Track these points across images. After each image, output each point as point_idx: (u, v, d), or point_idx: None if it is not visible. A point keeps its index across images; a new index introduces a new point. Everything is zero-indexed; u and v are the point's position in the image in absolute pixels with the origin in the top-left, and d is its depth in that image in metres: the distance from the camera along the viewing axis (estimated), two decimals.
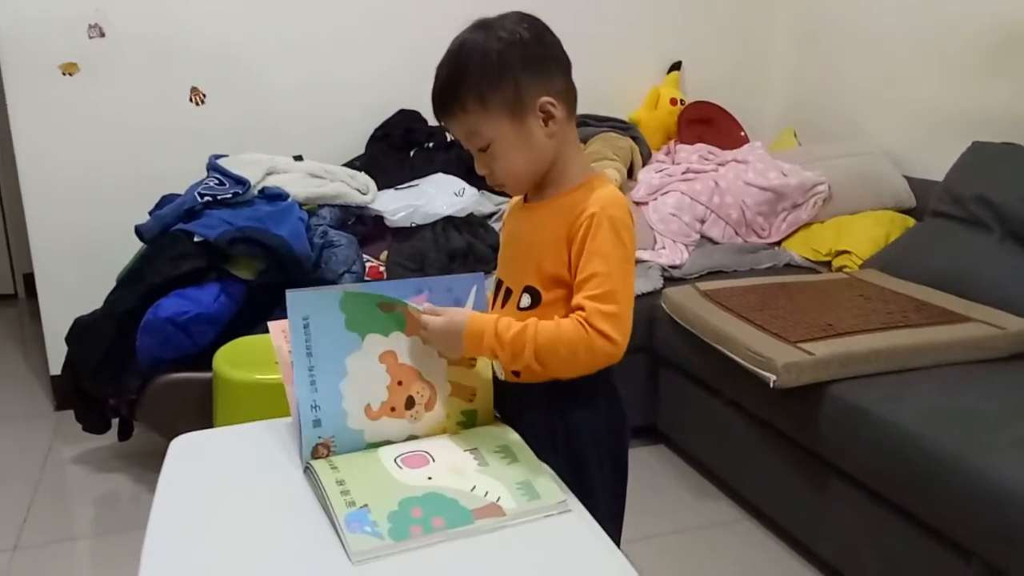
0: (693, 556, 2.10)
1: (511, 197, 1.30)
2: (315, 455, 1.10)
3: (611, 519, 1.10)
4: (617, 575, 0.95)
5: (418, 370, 1.14)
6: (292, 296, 1.09)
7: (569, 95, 1.16)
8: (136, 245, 2.42)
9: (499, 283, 1.24)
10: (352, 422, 1.11)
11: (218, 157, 2.53)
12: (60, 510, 2.33)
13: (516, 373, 1.15)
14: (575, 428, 1.19)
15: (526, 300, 1.18)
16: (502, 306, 1.22)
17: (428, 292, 1.14)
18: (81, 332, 2.30)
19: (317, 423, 1.10)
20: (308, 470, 1.08)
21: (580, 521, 1.04)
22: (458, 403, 1.17)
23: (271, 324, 1.21)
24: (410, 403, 1.14)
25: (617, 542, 1.19)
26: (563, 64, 1.16)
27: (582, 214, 1.11)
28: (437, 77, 1.14)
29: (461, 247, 2.57)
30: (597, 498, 1.08)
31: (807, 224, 2.85)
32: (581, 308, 1.08)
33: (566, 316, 1.12)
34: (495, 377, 1.20)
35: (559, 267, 1.13)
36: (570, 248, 1.12)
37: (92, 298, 2.37)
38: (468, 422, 1.18)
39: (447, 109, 1.13)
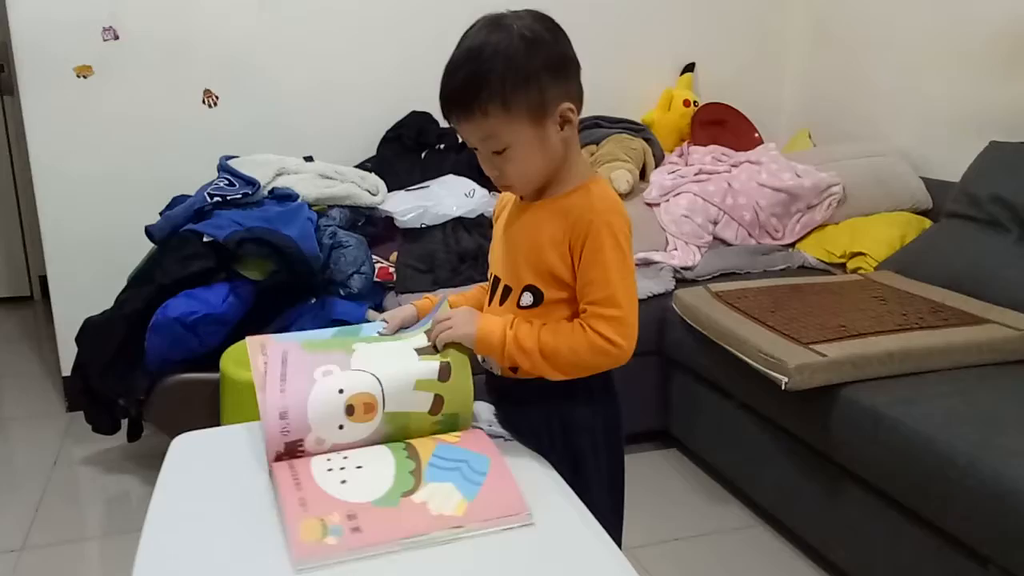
0: (704, 562, 2.07)
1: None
2: (278, 459, 1.08)
3: (611, 515, 1.09)
4: (613, 570, 0.93)
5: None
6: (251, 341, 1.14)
7: (581, 98, 1.15)
8: (148, 246, 2.43)
9: (496, 280, 1.23)
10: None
11: (229, 158, 2.54)
12: (69, 510, 2.34)
13: (513, 369, 1.14)
14: (571, 423, 1.19)
15: (527, 299, 1.17)
16: (500, 304, 1.20)
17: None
18: (91, 332, 2.31)
19: (284, 430, 1.08)
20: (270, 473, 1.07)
21: (575, 514, 1.02)
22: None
23: (248, 339, 1.21)
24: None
25: (618, 538, 1.17)
26: (577, 66, 1.14)
27: (582, 219, 1.10)
28: (451, 77, 1.10)
29: (471, 248, 2.56)
30: (594, 493, 1.07)
31: (821, 226, 2.82)
32: (583, 311, 1.11)
33: (569, 318, 1.14)
34: (491, 374, 1.19)
35: (562, 269, 1.13)
36: (572, 253, 1.12)
37: (104, 299, 2.37)
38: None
39: (466, 111, 1.09)
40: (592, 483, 1.18)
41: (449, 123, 1.14)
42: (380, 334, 1.23)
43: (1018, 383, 1.80)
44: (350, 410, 1.09)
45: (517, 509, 0.99)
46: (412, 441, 1.10)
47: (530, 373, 1.13)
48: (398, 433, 1.12)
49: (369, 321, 1.30)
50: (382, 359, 1.14)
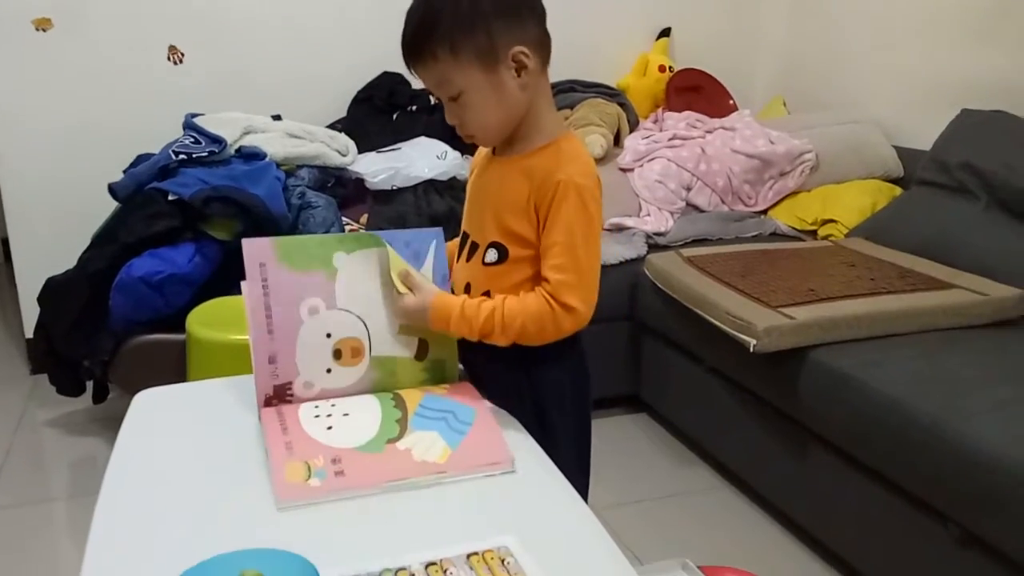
0: (671, 522, 2.09)
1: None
2: (268, 404, 1.08)
3: (577, 473, 1.08)
4: (576, 519, 0.94)
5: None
6: (248, 243, 1.10)
7: (543, 46, 1.12)
8: (112, 205, 2.37)
9: (464, 236, 1.22)
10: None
11: (194, 116, 2.48)
12: (33, 473, 2.30)
13: None
14: (539, 381, 1.19)
15: (492, 255, 1.15)
16: (467, 260, 1.19)
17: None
18: (53, 292, 2.26)
19: (273, 374, 1.08)
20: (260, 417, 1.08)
21: (542, 469, 1.02)
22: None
23: (244, 283, 1.19)
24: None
25: (584, 496, 1.17)
26: (537, 13, 1.11)
27: (549, 179, 1.09)
28: (407, 23, 1.10)
29: (443, 211, 2.53)
30: (562, 450, 1.06)
31: (794, 193, 2.82)
32: (546, 280, 1.09)
33: (533, 276, 1.13)
34: None
35: (526, 228, 1.12)
36: (538, 213, 1.10)
37: (68, 259, 2.32)
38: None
39: (417, 56, 1.09)
40: (559, 441, 1.18)
41: (409, 70, 1.12)
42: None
43: (983, 347, 1.82)
44: (337, 354, 1.11)
45: (500, 458, 1.00)
46: (400, 391, 1.12)
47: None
48: (387, 379, 1.13)
49: None
50: (366, 298, 1.13)
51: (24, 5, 2.58)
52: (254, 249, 1.09)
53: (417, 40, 1.08)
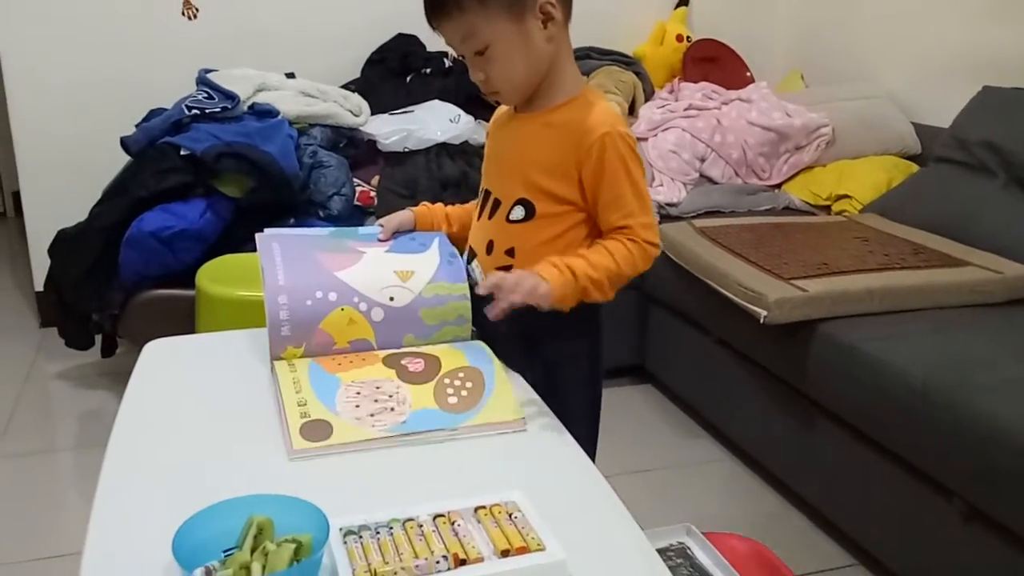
0: (674, 492, 2.09)
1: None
2: (282, 356, 1.08)
3: (586, 444, 1.08)
4: (585, 478, 0.95)
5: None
6: (262, 236, 1.16)
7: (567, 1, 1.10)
8: (124, 160, 2.37)
9: (487, 193, 1.21)
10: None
11: (208, 71, 2.46)
12: (41, 423, 2.33)
13: None
14: (555, 352, 1.18)
15: (518, 212, 1.15)
16: (489, 217, 1.18)
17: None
18: (64, 245, 2.26)
19: (285, 324, 1.07)
20: (272, 370, 1.07)
21: (552, 429, 1.03)
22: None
23: (259, 235, 1.19)
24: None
25: (592, 460, 1.17)
26: None
27: (589, 134, 1.08)
28: None
29: (454, 175, 2.52)
30: (572, 421, 1.06)
31: (809, 167, 2.79)
32: (624, 227, 1.10)
33: (561, 233, 1.12)
34: (472, 292, 1.17)
35: (559, 185, 1.11)
36: (580, 169, 1.10)
37: (79, 213, 2.32)
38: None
39: (442, 8, 1.06)
40: (571, 413, 1.17)
41: (433, 28, 1.10)
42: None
43: (995, 324, 1.81)
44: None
45: (513, 416, 1.01)
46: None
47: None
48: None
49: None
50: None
51: None
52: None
53: None
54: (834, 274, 1.92)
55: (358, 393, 1.01)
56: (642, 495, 2.04)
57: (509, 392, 1.04)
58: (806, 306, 1.81)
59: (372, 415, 0.98)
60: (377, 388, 1.02)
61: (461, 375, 1.06)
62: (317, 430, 0.95)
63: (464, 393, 1.03)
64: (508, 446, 0.99)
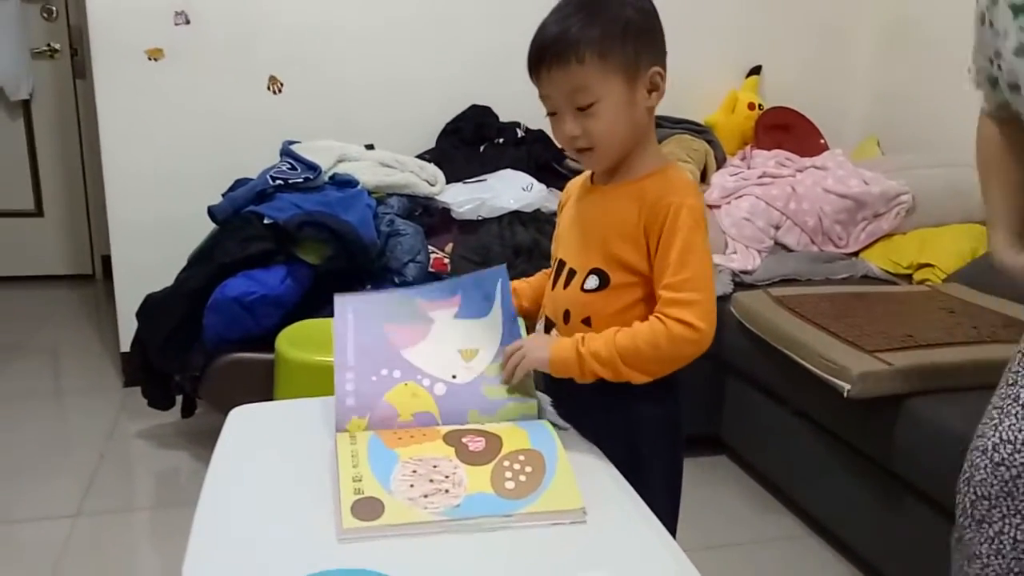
0: (753, 570, 2.02)
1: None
2: (347, 427, 1.09)
3: (667, 517, 1.05)
4: (669, 560, 0.93)
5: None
6: (340, 298, 1.18)
7: (665, 75, 1.13)
8: (209, 228, 2.46)
9: (560, 264, 1.21)
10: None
11: (291, 143, 2.56)
12: (122, 481, 2.38)
13: None
14: (633, 422, 1.16)
15: (592, 282, 1.15)
16: (564, 287, 1.19)
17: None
18: (151, 308, 2.35)
19: (350, 395, 1.10)
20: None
21: (632, 507, 1.01)
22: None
23: (337, 296, 1.22)
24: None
25: (673, 536, 1.14)
26: (665, 46, 1.14)
27: (660, 202, 1.08)
28: (549, 25, 1.09)
29: (526, 242, 2.54)
30: (653, 494, 1.03)
31: (888, 235, 2.74)
32: (659, 298, 1.09)
33: (635, 303, 1.12)
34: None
35: (632, 254, 1.11)
36: (648, 238, 1.10)
37: (165, 279, 2.41)
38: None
39: (559, 58, 1.07)
40: (651, 484, 1.14)
41: (534, 80, 1.11)
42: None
43: None
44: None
45: (572, 505, 0.97)
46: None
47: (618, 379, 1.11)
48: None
49: None
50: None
51: (140, 36, 2.73)
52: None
53: (563, 41, 1.06)
54: (920, 347, 1.86)
55: (414, 472, 0.99)
56: (720, 572, 1.97)
57: (571, 478, 1.00)
58: (892, 380, 1.75)
59: (426, 496, 0.96)
60: (434, 467, 1.00)
61: (522, 458, 1.03)
62: (368, 508, 0.93)
63: (523, 478, 0.99)
64: (580, 526, 0.95)
